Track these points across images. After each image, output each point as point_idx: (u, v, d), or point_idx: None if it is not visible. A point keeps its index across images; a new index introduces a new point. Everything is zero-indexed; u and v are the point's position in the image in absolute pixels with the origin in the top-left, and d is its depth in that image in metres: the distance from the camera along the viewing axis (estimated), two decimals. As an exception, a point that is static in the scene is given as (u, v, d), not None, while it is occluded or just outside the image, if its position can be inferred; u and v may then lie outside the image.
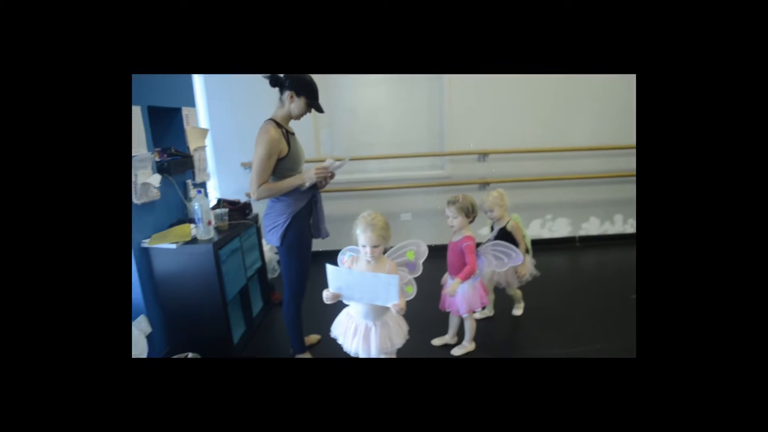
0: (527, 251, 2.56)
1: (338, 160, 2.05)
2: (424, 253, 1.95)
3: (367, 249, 1.68)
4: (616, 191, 4.08)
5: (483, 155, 3.94)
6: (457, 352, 2.39)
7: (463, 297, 2.24)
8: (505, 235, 2.49)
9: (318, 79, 2.03)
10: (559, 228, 4.24)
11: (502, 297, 2.83)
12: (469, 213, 2.19)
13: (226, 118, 3.73)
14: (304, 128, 3.55)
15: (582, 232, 4.27)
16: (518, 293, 2.79)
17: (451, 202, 2.22)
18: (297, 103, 2.06)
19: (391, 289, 1.56)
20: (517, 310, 2.83)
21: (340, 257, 1.92)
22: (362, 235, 1.68)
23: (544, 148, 3.95)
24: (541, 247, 4.09)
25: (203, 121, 3.71)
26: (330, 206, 3.75)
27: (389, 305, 1.62)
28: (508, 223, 2.52)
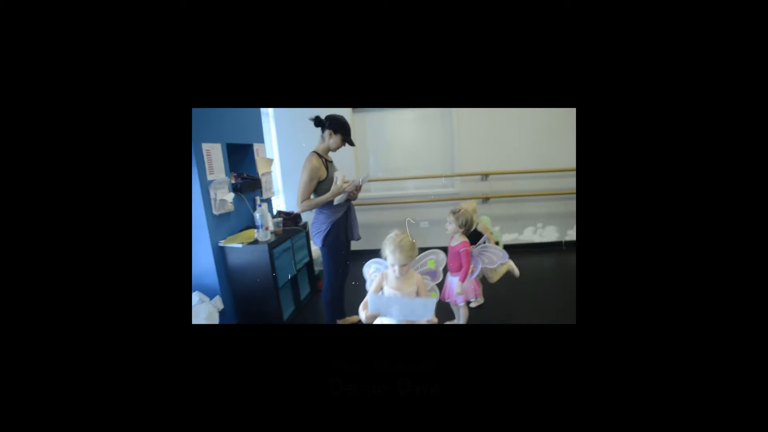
0: (497, 243, 2.37)
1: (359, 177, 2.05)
2: (443, 260, 1.77)
3: (396, 268, 1.43)
4: (596, 205, 3.77)
5: (485, 176, 3.78)
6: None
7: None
8: (476, 234, 2.38)
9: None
10: (548, 234, 3.97)
11: (491, 288, 2.63)
12: (463, 225, 2.09)
13: (291, 147, 3.80)
14: (348, 156, 3.59)
15: (568, 238, 3.97)
16: (501, 270, 2.44)
17: (453, 212, 2.12)
18: (335, 139, 2.06)
19: (427, 310, 1.38)
20: (514, 272, 2.49)
21: (365, 269, 1.71)
22: (391, 256, 1.41)
23: (535, 169, 3.73)
24: (533, 249, 3.90)
25: (274, 150, 3.80)
26: (368, 216, 3.78)
27: (424, 321, 1.42)
28: (478, 225, 2.41)
